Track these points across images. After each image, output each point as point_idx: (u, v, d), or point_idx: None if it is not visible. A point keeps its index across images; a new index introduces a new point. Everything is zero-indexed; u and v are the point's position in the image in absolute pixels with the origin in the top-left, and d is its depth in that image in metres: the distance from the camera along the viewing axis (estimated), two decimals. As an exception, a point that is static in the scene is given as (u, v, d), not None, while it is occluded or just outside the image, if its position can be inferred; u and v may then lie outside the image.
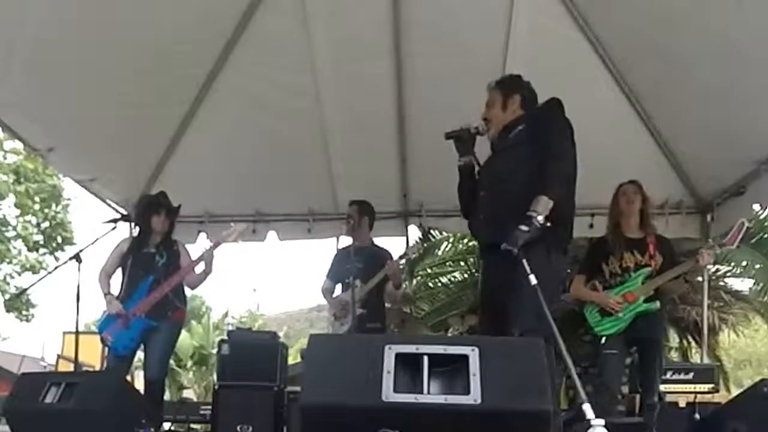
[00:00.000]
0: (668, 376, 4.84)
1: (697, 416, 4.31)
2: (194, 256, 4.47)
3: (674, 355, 9.00)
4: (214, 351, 7.17)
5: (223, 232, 4.51)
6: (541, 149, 2.96)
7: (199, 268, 4.43)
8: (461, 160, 3.31)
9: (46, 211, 15.77)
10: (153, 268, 4.29)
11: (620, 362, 4.06)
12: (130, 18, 3.97)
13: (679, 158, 5.08)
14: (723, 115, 4.24)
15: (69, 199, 16.06)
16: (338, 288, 5.06)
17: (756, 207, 4.93)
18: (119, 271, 4.39)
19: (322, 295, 5.12)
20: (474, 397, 2.01)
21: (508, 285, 2.87)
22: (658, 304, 3.88)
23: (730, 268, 8.62)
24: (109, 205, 5.57)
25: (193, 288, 4.59)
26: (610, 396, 3.89)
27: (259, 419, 4.57)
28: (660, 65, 4.30)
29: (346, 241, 5.18)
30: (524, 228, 2.80)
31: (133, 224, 5.47)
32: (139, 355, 4.53)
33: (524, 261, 2.67)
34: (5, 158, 15.16)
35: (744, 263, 8.54)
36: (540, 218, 2.83)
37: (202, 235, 5.81)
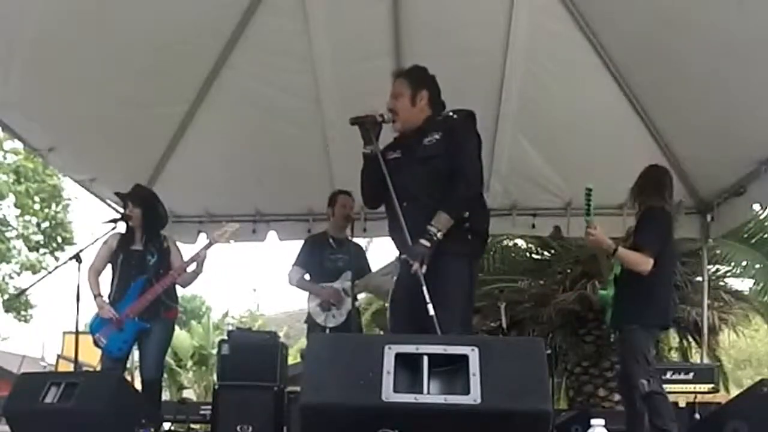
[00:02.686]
0: (668, 376, 4.86)
1: (697, 416, 4.31)
2: (188, 255, 4.46)
3: (674, 355, 9.00)
4: (214, 351, 7.19)
5: (215, 232, 4.50)
6: (454, 168, 3.11)
7: (191, 267, 4.41)
8: (366, 148, 3.23)
9: (46, 211, 15.77)
10: (144, 268, 4.27)
11: None
12: (130, 18, 3.96)
13: (679, 158, 5.07)
14: (723, 115, 4.23)
15: (69, 199, 16.07)
16: (307, 277, 4.95)
17: (756, 207, 4.91)
18: (109, 267, 4.37)
19: (293, 285, 4.92)
20: (474, 397, 2.01)
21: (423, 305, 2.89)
22: (600, 292, 3.96)
23: (730, 268, 8.60)
24: (109, 205, 5.57)
25: (184, 286, 4.58)
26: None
27: (259, 419, 4.57)
28: (660, 65, 4.30)
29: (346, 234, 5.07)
30: (426, 243, 2.96)
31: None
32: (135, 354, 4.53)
33: (425, 288, 2.83)
34: (5, 158, 15.17)
35: (744, 263, 8.52)
36: (439, 234, 2.98)
37: (202, 235, 5.80)
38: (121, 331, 4.17)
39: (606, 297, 3.94)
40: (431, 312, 2.82)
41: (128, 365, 4.59)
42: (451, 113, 3.26)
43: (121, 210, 5.46)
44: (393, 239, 3.35)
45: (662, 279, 3.68)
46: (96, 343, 4.25)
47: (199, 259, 4.35)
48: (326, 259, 4.88)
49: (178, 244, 4.71)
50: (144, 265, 4.28)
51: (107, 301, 4.26)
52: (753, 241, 8.34)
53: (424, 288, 2.86)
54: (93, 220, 6.10)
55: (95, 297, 4.27)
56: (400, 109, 3.25)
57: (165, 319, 4.32)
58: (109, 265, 4.38)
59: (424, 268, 2.92)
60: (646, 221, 3.74)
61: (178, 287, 4.46)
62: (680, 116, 4.68)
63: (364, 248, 5.11)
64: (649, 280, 3.63)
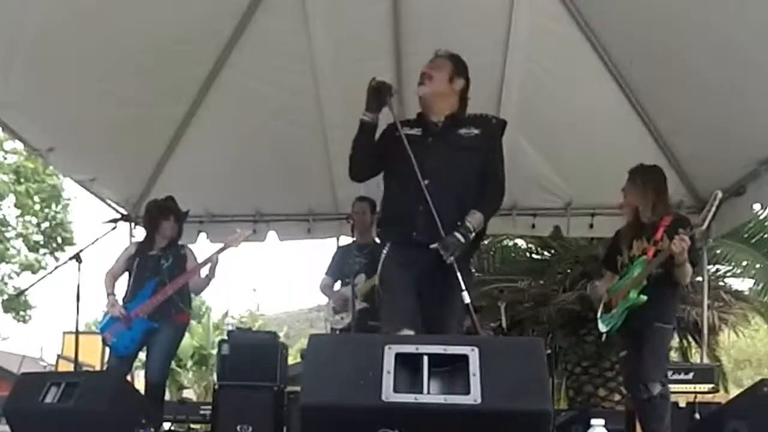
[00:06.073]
0: (668, 376, 4.87)
1: (697, 416, 4.31)
2: (199, 259, 4.49)
3: (674, 355, 9.00)
4: (214, 351, 7.19)
5: (229, 237, 4.56)
6: (489, 172, 3.10)
7: (203, 272, 4.46)
8: (367, 115, 3.12)
9: (46, 211, 15.78)
10: (158, 270, 4.31)
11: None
12: (130, 18, 3.96)
13: (679, 158, 5.08)
14: (723, 115, 4.23)
15: (69, 199, 16.08)
16: (337, 285, 5.09)
17: (756, 207, 4.91)
18: (126, 274, 4.42)
19: (321, 292, 5.16)
20: (474, 397, 2.01)
21: (440, 293, 2.96)
22: (643, 297, 3.56)
23: (730, 268, 8.60)
24: (109, 205, 5.58)
25: (196, 294, 4.62)
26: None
27: (259, 419, 4.58)
28: (660, 65, 4.30)
29: (347, 240, 5.22)
30: (460, 238, 2.90)
31: (133, 225, 5.48)
32: (141, 355, 4.53)
33: (459, 274, 2.81)
34: (5, 158, 15.19)
35: (744, 263, 8.52)
36: (472, 234, 2.96)
37: (202, 235, 5.81)
38: (130, 329, 4.19)
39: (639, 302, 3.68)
40: (467, 300, 2.81)
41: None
42: (489, 115, 3.25)
43: (122, 210, 5.50)
44: (389, 216, 3.20)
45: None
46: (104, 341, 4.29)
47: (212, 263, 4.40)
48: (346, 264, 4.94)
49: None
50: (158, 267, 4.33)
51: (120, 301, 4.31)
52: (753, 241, 8.34)
53: (459, 275, 2.81)
54: (93, 220, 6.09)
55: (108, 296, 4.32)
56: (436, 78, 3.13)
57: (175, 321, 4.32)
58: (126, 272, 4.44)
59: (451, 258, 2.84)
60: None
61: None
62: (680, 116, 4.67)
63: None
64: (675, 284, 3.67)
